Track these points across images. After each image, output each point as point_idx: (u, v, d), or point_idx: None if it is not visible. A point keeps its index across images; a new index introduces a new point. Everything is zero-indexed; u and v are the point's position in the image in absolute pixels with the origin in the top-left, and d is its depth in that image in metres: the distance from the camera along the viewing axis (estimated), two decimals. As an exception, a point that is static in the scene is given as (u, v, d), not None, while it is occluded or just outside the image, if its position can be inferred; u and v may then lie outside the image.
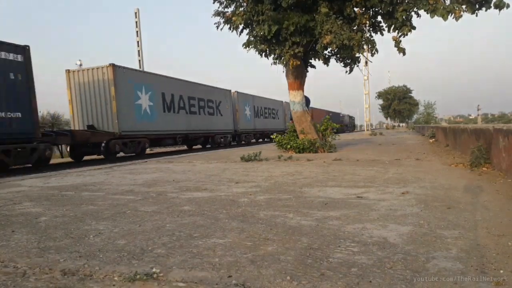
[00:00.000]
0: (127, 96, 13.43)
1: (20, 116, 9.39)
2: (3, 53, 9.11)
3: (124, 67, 13.50)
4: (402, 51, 8.29)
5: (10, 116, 9.17)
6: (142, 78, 14.67)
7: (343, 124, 50.00)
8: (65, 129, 14.60)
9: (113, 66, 12.88)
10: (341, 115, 56.41)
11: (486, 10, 7.28)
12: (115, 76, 12.84)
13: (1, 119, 8.98)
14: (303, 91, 9.82)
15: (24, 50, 9.61)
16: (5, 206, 3.62)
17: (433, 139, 12.86)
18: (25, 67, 9.61)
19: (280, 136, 10.39)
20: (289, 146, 9.64)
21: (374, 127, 65.21)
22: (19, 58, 9.48)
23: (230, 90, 22.01)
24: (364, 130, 38.14)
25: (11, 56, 9.27)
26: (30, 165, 10.17)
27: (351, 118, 66.06)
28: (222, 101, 20.61)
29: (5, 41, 9.28)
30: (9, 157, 9.24)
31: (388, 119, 66.47)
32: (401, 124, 73.86)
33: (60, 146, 12.78)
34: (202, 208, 3.13)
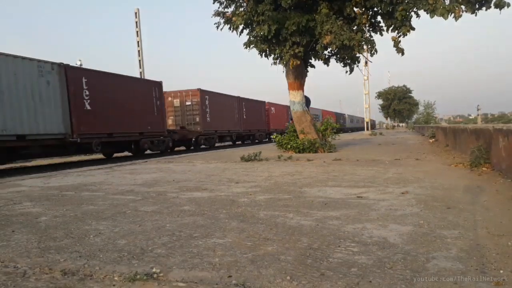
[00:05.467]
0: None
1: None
2: None
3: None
4: (401, 51, 8.30)
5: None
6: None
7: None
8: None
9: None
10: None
11: (486, 10, 7.28)
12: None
13: None
14: (303, 91, 9.82)
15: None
16: (5, 206, 3.62)
17: (433, 139, 12.85)
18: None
19: (280, 136, 10.41)
20: (289, 146, 9.65)
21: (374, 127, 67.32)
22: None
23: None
24: (364, 130, 38.15)
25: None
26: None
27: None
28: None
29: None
30: None
31: (388, 119, 66.53)
32: (401, 124, 74.03)
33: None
34: (202, 208, 3.14)
